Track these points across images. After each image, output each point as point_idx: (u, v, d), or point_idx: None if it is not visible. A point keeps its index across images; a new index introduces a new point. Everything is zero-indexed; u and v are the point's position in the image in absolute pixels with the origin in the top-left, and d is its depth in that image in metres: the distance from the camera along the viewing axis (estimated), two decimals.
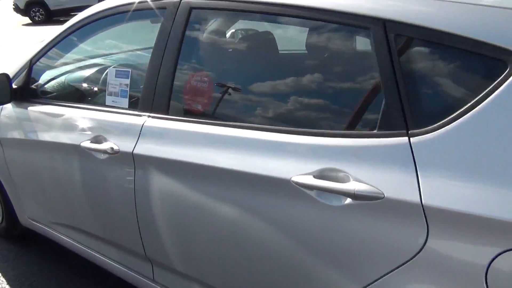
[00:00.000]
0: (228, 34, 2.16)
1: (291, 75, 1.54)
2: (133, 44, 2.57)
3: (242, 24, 1.97)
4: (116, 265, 2.10)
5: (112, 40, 2.46)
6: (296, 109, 1.50)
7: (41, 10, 15.72)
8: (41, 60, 2.33)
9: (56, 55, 2.35)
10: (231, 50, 1.84)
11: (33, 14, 15.77)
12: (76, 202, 2.15)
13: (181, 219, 1.68)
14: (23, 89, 2.34)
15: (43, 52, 2.29)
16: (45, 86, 2.47)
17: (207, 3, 1.69)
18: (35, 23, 15.69)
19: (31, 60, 2.33)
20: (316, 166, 1.31)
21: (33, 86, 2.41)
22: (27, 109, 2.31)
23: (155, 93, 1.76)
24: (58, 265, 2.63)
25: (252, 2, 1.55)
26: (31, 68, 2.33)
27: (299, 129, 1.39)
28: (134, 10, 1.95)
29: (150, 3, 1.86)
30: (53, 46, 2.25)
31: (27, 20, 15.94)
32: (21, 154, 2.38)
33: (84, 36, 2.22)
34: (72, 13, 15.81)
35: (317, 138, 1.34)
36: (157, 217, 1.77)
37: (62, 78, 2.51)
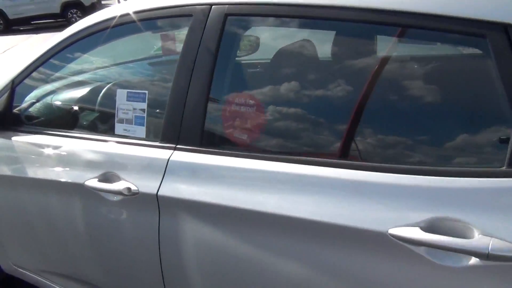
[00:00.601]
0: None
1: (371, 94, 1.24)
2: (141, 59, 2.19)
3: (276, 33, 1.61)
4: None
5: (114, 57, 2.09)
6: (387, 139, 1.20)
7: None
8: (25, 80, 1.94)
9: (44, 74, 1.97)
10: (281, 64, 1.51)
11: None
12: (78, 249, 1.79)
13: (225, 276, 1.36)
14: (4, 116, 1.95)
15: (28, 71, 1.91)
16: (30, 110, 2.08)
17: (247, 8, 1.38)
18: None
19: (13, 80, 1.94)
20: (423, 215, 1.02)
21: (15, 111, 2.02)
22: (10, 139, 1.92)
23: (182, 120, 1.43)
24: None
25: (313, 6, 1.25)
26: (13, 91, 1.94)
27: (395, 166, 1.10)
28: (144, 20, 1.62)
29: (169, 10, 1.53)
30: (41, 64, 1.87)
31: None
32: (4, 193, 1.99)
33: (79, 51, 1.86)
34: (33, 22, 15.09)
35: (421, 178, 1.05)
36: (190, 273, 1.44)
37: (48, 100, 2.12)
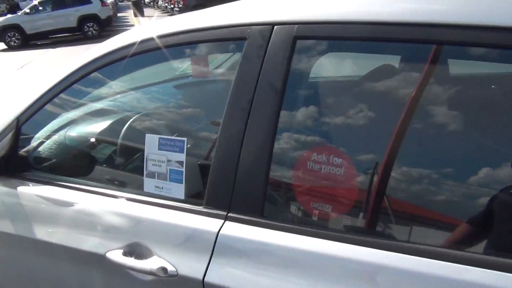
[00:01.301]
0: None
1: None
2: (173, 85, 1.81)
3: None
4: None
5: (142, 89, 1.73)
6: None
7: (16, 34, 14.81)
8: (33, 117, 1.60)
9: (54, 109, 1.63)
10: (373, 104, 1.10)
11: (9, 39, 14.86)
12: None
13: None
14: (8, 160, 1.60)
15: (36, 107, 1.56)
16: (39, 150, 1.74)
17: (324, 29, 1.00)
18: (11, 48, 14.79)
19: (18, 118, 1.60)
20: None
21: (22, 153, 1.67)
22: (15, 189, 1.58)
23: (236, 179, 1.06)
24: None
25: (423, 25, 0.87)
26: (19, 130, 1.60)
27: None
28: (176, 45, 1.26)
29: (213, 33, 1.16)
30: (51, 99, 1.53)
31: (2, 45, 15.05)
32: (6, 253, 1.64)
33: (98, 82, 1.51)
34: (51, 36, 14.99)
35: None
36: None
37: (60, 138, 1.77)
